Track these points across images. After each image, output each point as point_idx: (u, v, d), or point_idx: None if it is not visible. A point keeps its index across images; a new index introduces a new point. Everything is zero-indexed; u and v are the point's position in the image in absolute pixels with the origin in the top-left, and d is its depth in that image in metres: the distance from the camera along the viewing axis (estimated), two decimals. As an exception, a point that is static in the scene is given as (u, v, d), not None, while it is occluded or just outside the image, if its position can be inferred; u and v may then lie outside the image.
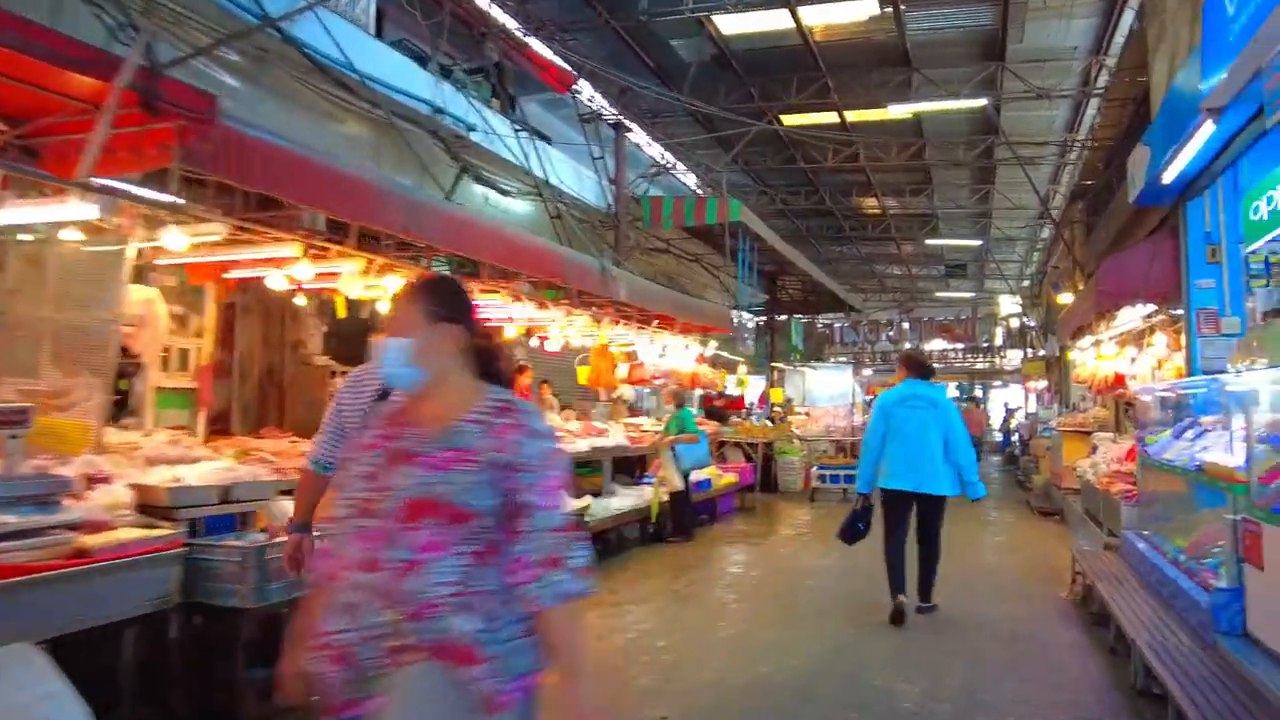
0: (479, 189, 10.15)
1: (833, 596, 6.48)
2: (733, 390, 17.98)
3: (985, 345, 28.25)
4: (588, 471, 9.31)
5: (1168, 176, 6.27)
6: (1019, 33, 11.15)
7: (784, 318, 23.01)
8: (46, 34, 3.27)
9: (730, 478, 11.33)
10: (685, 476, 8.88)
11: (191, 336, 7.55)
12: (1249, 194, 5.33)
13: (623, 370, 10.69)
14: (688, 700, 4.15)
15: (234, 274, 6.38)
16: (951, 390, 27.71)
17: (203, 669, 3.80)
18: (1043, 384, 23.18)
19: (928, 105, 12.50)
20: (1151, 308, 7.77)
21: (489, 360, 1.90)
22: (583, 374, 10.42)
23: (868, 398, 25.08)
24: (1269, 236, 5.04)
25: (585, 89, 12.41)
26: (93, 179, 3.96)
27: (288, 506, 4.40)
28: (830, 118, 14.01)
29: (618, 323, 9.74)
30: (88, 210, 3.77)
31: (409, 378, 1.81)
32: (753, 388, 20.14)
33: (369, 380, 3.01)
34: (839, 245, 24.57)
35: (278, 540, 4.01)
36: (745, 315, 14.09)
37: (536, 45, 11.11)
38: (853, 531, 6.05)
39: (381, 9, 9.56)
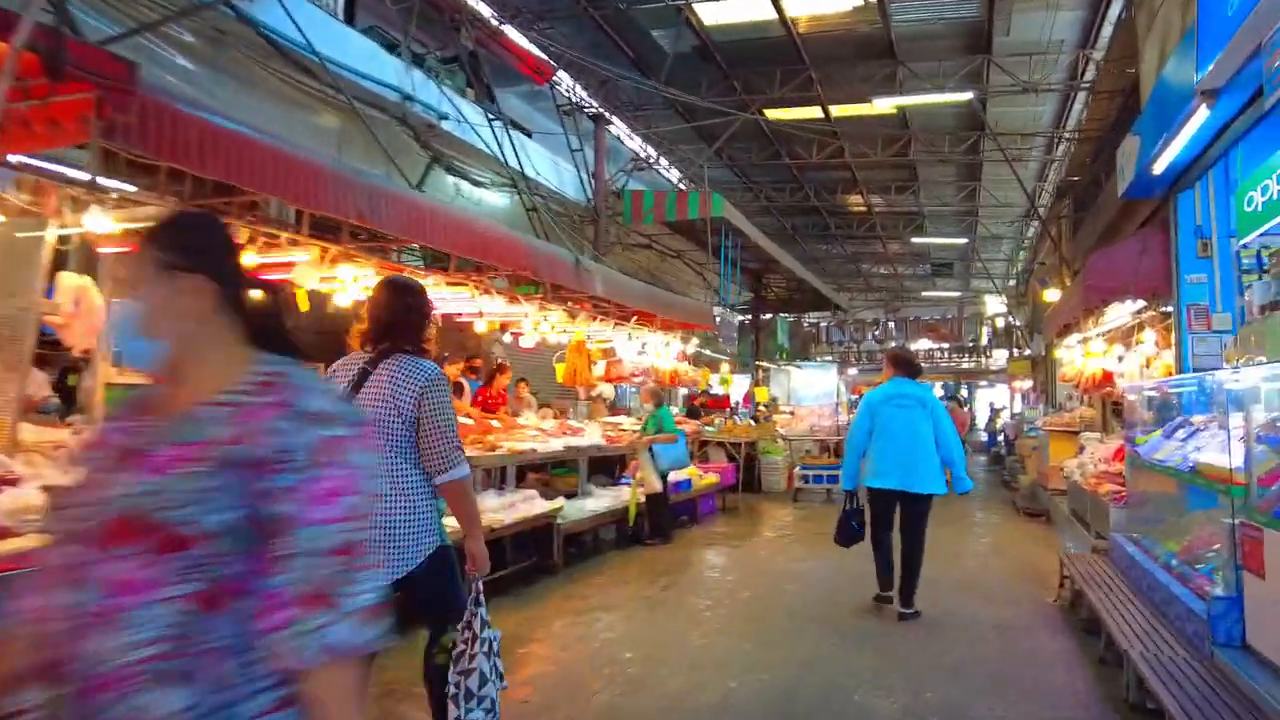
0: (451, 180, 9.86)
1: (811, 601, 6.23)
2: (717, 389, 17.75)
3: (971, 345, 28.13)
4: (564, 472, 9.04)
5: (1159, 167, 6.05)
6: (1005, 25, 10.96)
7: (769, 317, 22.81)
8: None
9: (711, 478, 11.07)
10: (663, 477, 8.61)
11: (144, 330, 7.24)
12: (1243, 184, 5.11)
13: (600, 368, 10.40)
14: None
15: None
16: (937, 390, 27.62)
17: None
18: (1028, 383, 23.09)
19: (913, 99, 12.29)
20: (1141, 303, 7.56)
21: (265, 320, 1.43)
22: (560, 371, 10.13)
23: (853, 397, 24.96)
24: (1264, 228, 4.82)
25: (565, 81, 12.14)
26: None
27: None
28: (814, 112, 13.78)
29: (595, 319, 9.47)
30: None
31: (141, 351, 1.37)
32: (737, 387, 19.91)
33: (344, 371, 2.93)
34: (825, 244, 24.39)
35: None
36: (728, 313, 13.82)
37: (513, 34, 10.82)
38: (849, 533, 5.97)
39: (352, -6, 9.27)
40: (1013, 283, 25.31)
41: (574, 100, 12.12)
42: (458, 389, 8.25)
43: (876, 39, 11.62)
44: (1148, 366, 7.84)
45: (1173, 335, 6.97)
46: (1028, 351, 22.27)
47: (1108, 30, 10.29)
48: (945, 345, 28.47)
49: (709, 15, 11.00)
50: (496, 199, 10.78)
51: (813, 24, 11.31)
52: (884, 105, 12.62)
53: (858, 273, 28.87)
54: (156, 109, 3.69)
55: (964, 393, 32.13)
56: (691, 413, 14.20)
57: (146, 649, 1.16)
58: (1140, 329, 7.89)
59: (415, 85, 8.96)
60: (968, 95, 11.83)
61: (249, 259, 5.04)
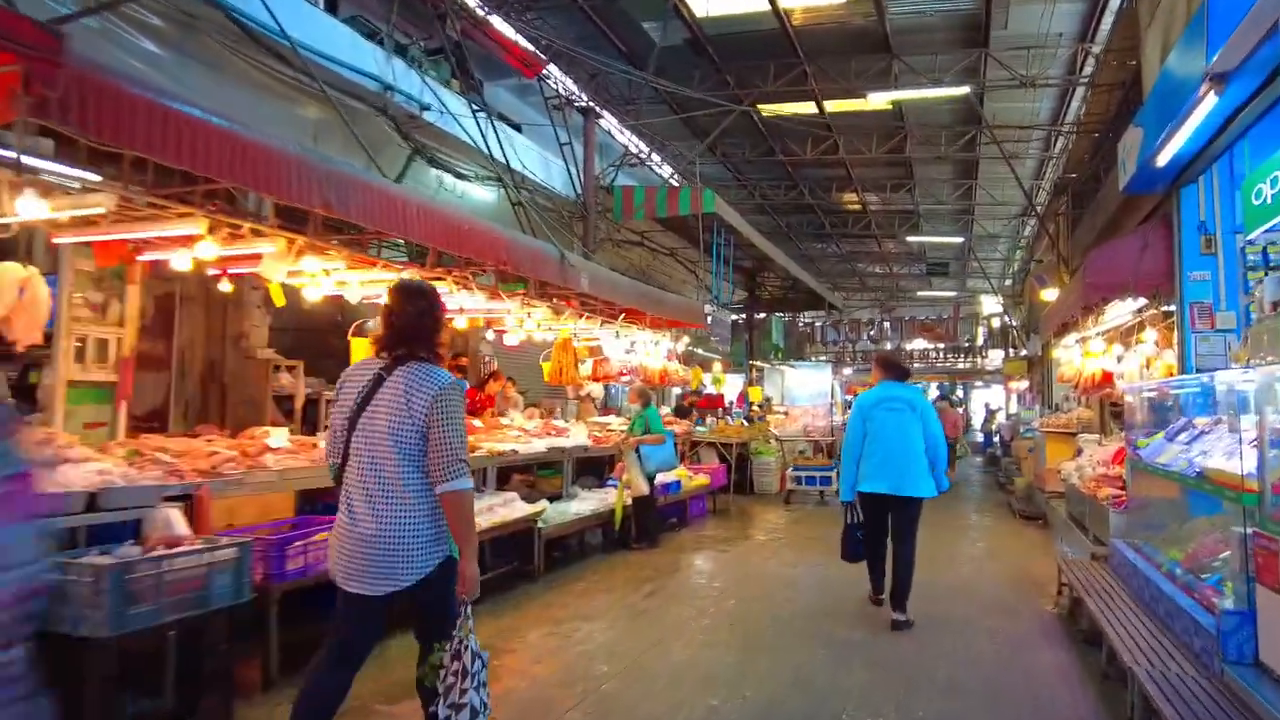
0: (435, 173, 9.59)
1: (800, 610, 5.99)
2: (709, 389, 17.52)
3: (967, 345, 27.91)
4: (550, 473, 8.79)
5: (1162, 159, 5.82)
6: (1003, 18, 10.72)
7: (763, 316, 22.59)
8: None
9: (701, 479, 10.83)
10: (651, 480, 8.36)
11: (111, 325, 6.97)
12: (1251, 176, 4.89)
13: (587, 366, 10.15)
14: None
15: (149, 256, 5.82)
16: (932, 390, 27.41)
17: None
18: (1024, 384, 22.90)
19: (908, 93, 12.05)
20: (1141, 301, 7.33)
21: None
22: (547, 370, 9.88)
23: (848, 397, 24.73)
24: (1272, 223, 4.60)
25: (555, 75, 11.88)
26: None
27: (174, 515, 3.85)
28: (809, 107, 13.54)
29: (582, 316, 9.22)
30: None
31: None
32: (730, 386, 19.68)
33: (358, 379, 2.92)
34: (820, 242, 24.17)
35: (155, 555, 3.47)
36: (721, 311, 13.57)
37: (500, 25, 10.55)
38: (855, 547, 5.93)
39: (333, -17, 8.99)
40: (1009, 282, 25.12)
41: (563, 94, 11.86)
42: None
43: (871, 32, 11.37)
44: (1148, 367, 7.62)
45: (1175, 334, 6.74)
46: (1024, 352, 22.07)
47: (1107, 23, 10.05)
48: (941, 345, 28.24)
49: (700, 6, 10.75)
50: (482, 194, 10.52)
51: (807, 16, 11.07)
52: (879, 100, 12.37)
53: (853, 272, 28.66)
54: (95, 86, 3.44)
55: (959, 393, 31.97)
56: (680, 412, 13.94)
57: None
58: (1141, 328, 7.66)
59: (396, 75, 8.69)
60: (964, 90, 11.60)
61: (209, 249, 4.79)
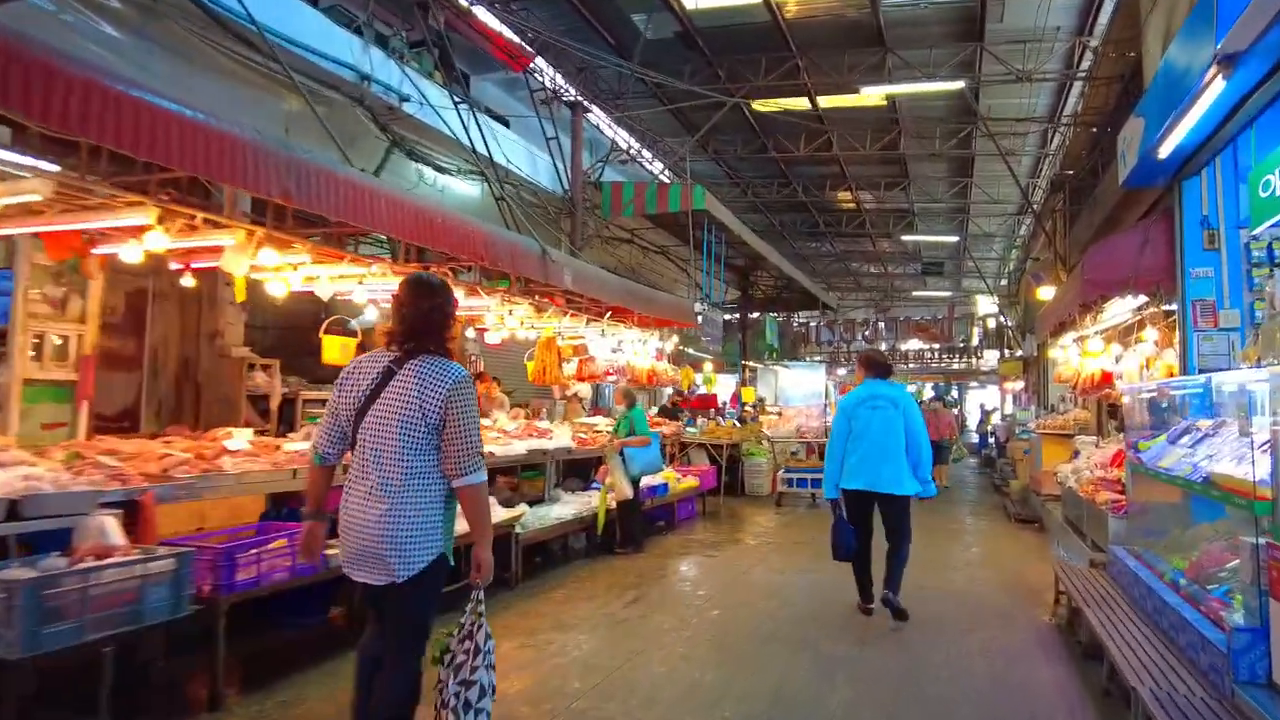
0: (414, 166, 9.33)
1: (786, 619, 5.74)
2: (701, 389, 17.28)
3: (962, 345, 27.71)
4: (534, 475, 8.54)
5: (1164, 149, 5.58)
6: (999, 10, 10.52)
7: (757, 316, 22.35)
8: None
9: (690, 481, 10.58)
10: (635, 483, 8.10)
11: (72, 321, 6.70)
12: (1258, 167, 4.65)
13: (572, 366, 9.89)
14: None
15: (104, 249, 5.54)
16: (927, 391, 27.19)
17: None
18: (1020, 385, 22.71)
19: (902, 88, 11.81)
20: (1142, 299, 7.09)
21: None
22: (530, 369, 9.61)
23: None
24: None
25: (544, 69, 11.62)
26: None
27: (109, 524, 3.59)
28: (802, 103, 13.29)
29: (566, 314, 8.96)
30: None
31: None
32: (722, 386, 19.44)
33: (367, 370, 2.92)
34: (814, 241, 23.95)
35: (83, 567, 3.20)
36: (712, 310, 13.31)
37: (485, 16, 10.29)
38: (845, 546, 5.82)
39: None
40: (1004, 282, 24.93)
41: (550, 88, 11.60)
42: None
43: (865, 25, 11.15)
44: (1148, 367, 7.38)
45: (1176, 333, 6.51)
46: (1019, 352, 21.88)
47: (1105, 16, 9.83)
48: (936, 346, 28.05)
49: (691, -2, 10.52)
50: (466, 188, 10.25)
51: (799, 8, 10.84)
52: (872, 94, 12.13)
53: (847, 271, 28.46)
54: (21, 56, 3.18)
55: (953, 394, 31.78)
56: (666, 413, 13.69)
57: None
58: (1141, 327, 7.42)
59: (374, 65, 8.43)
60: (959, 84, 11.37)
61: (158, 240, 4.53)
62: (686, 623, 5.61)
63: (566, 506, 7.78)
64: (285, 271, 6.12)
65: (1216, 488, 3.99)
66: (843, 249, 25.06)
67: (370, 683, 2.90)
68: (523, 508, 7.01)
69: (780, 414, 16.66)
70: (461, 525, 2.98)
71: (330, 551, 4.94)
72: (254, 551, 4.21)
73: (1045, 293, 12.23)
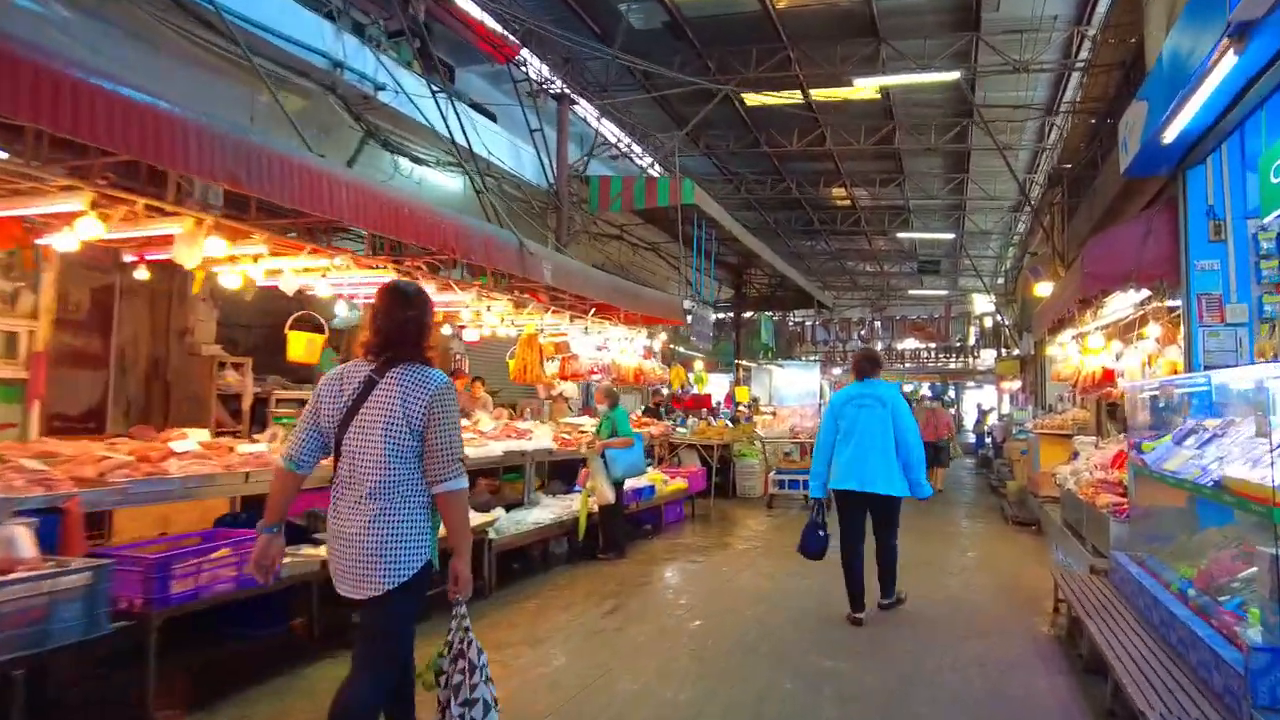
0: (390, 157, 9.01)
1: (771, 629, 5.44)
2: (693, 388, 17.00)
3: (958, 344, 27.43)
4: (515, 477, 8.24)
5: (1169, 134, 5.30)
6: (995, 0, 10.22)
7: (751, 315, 22.06)
8: None
9: (678, 484, 10.28)
10: (618, 486, 7.79)
11: (22, 317, 6.38)
12: (1269, 152, 4.37)
13: (554, 364, 9.58)
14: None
15: (47, 239, 5.23)
16: (923, 390, 26.93)
17: None
18: (1016, 384, 22.46)
19: (896, 79, 11.51)
20: (1145, 294, 6.81)
21: None
22: (511, 368, 9.31)
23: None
24: (1292, 204, 4.08)
25: (530, 61, 11.31)
26: None
27: (19, 534, 3.28)
28: (795, 97, 13.00)
29: (549, 310, 8.66)
30: None
31: None
32: (715, 386, 19.15)
33: (349, 380, 2.88)
34: (809, 239, 23.67)
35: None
36: (701, 307, 13.01)
37: (467, 5, 9.98)
38: (814, 542, 5.76)
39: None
40: (1001, 281, 24.68)
41: (535, 79, 11.29)
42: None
43: (857, 14, 10.85)
44: (1150, 364, 7.10)
45: (1181, 329, 6.22)
46: (1016, 351, 21.62)
47: (1104, 4, 9.54)
48: (932, 345, 27.75)
49: (679, -13, 10.21)
50: (446, 181, 9.94)
51: (790, -3, 10.55)
52: (865, 85, 11.83)
53: (843, 270, 28.19)
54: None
55: (950, 394, 31.54)
56: (650, 413, 13.38)
57: None
58: (1143, 322, 7.14)
59: (347, 52, 8.11)
60: (954, 75, 11.07)
61: (92, 227, 4.21)
62: (666, 633, 5.31)
63: (546, 510, 7.47)
64: (245, 264, 5.84)
65: (1229, 493, 3.70)
66: (838, 247, 24.78)
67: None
68: (498, 512, 6.71)
69: (774, 414, 16.37)
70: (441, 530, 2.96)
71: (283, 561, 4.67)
72: (193, 562, 3.90)
73: (1043, 289, 11.94)
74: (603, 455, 7.67)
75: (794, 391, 20.61)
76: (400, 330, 2.89)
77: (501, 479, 8.53)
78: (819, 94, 12.83)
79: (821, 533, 5.75)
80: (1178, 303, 6.58)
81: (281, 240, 5.43)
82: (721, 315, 21.26)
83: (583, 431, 9.18)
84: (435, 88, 8.44)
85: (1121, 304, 7.35)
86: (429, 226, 5.88)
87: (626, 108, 13.42)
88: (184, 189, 5.21)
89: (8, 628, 2.86)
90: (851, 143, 14.74)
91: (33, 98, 3.33)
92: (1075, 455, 8.70)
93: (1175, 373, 6.52)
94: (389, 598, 2.72)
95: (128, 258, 5.82)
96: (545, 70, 11.86)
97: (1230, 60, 4.12)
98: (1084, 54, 10.48)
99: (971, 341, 27.64)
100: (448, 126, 8.24)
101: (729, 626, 5.51)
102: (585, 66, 12.43)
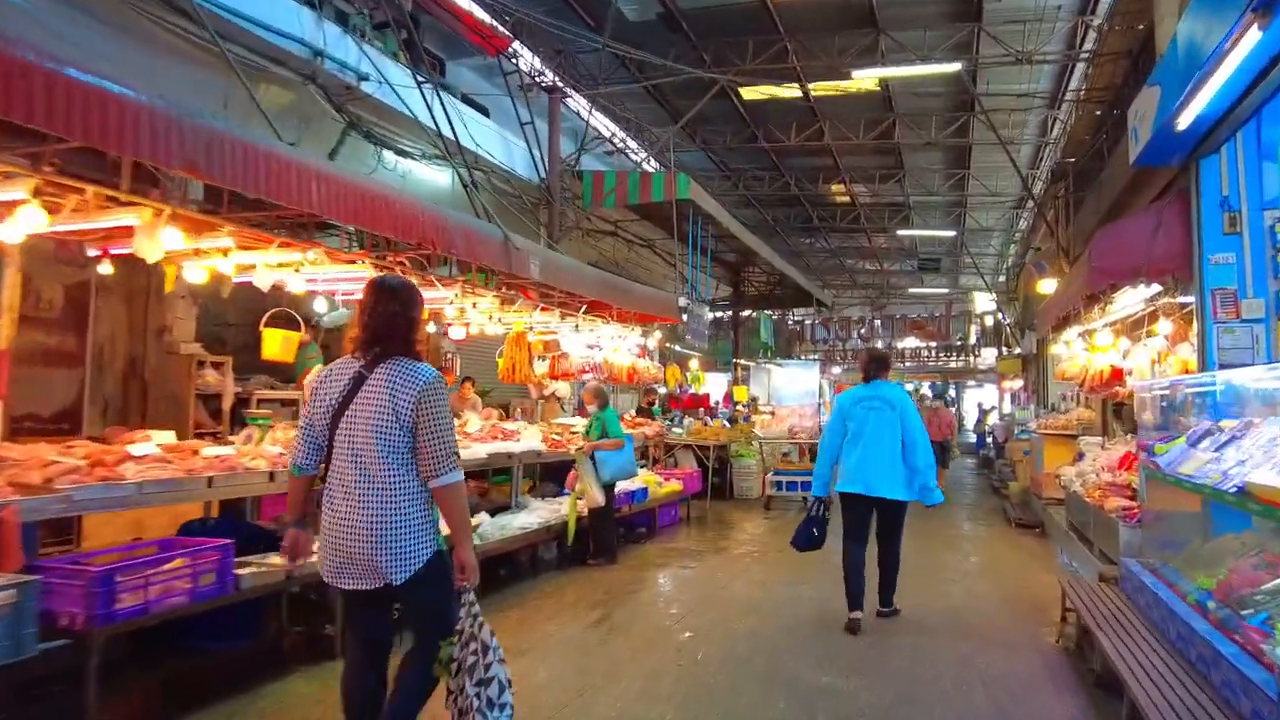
0: (376, 150, 8.74)
1: (764, 642, 5.18)
2: (690, 388, 16.74)
3: (959, 343, 27.17)
4: (504, 480, 7.99)
5: (1184, 119, 5.02)
6: (998, -13, 9.96)
7: (749, 313, 21.80)
8: None
9: (673, 486, 10.02)
10: (609, 489, 7.53)
11: (-17, 314, 6.12)
12: (1291, 136, 4.11)
13: (543, 364, 9.31)
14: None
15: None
16: (924, 390, 26.65)
17: None
18: (1018, 383, 22.19)
19: (896, 70, 11.24)
20: (1154, 289, 6.54)
21: None
22: (500, 367, 9.05)
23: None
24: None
25: (519, 50, 11.04)
26: None
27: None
28: (792, 90, 12.73)
29: (538, 307, 8.38)
30: None
31: None
32: (713, 385, 18.89)
33: (338, 377, 2.91)
34: (808, 237, 23.41)
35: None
36: (698, 305, 12.74)
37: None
38: (806, 537, 5.68)
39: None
40: (1002, 278, 24.42)
41: (526, 71, 11.02)
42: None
43: (856, 4, 10.60)
44: (1160, 362, 6.83)
45: (1194, 325, 5.95)
46: (1018, 350, 21.34)
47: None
48: (932, 344, 27.49)
49: (673, -24, 9.94)
50: (434, 175, 9.66)
51: (787, -14, 10.29)
52: (864, 77, 11.56)
53: (842, 268, 27.94)
54: None
55: (950, 393, 31.27)
56: (643, 413, 13.11)
57: None
58: (1152, 319, 6.86)
59: (328, 40, 7.84)
60: (956, 66, 10.80)
61: (34, 217, 3.94)
62: (653, 646, 5.04)
63: (533, 514, 7.21)
64: (216, 259, 5.58)
65: (1255, 500, 3.43)
66: (837, 245, 24.53)
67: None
68: (481, 516, 6.46)
69: (773, 413, 16.11)
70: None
71: (242, 572, 4.41)
72: (142, 574, 3.64)
73: (1047, 285, 11.66)
74: (592, 457, 7.40)
75: (793, 391, 20.32)
76: (388, 325, 2.90)
77: (491, 481, 8.28)
78: (817, 88, 12.56)
79: (815, 530, 5.64)
80: (1189, 299, 6.32)
81: (249, 233, 5.17)
82: (719, 314, 20.99)
83: (574, 432, 8.91)
84: (421, 78, 8.18)
85: (1130, 300, 7.08)
86: (407, 219, 5.61)
87: (620, 101, 13.16)
88: (164, 184, 4.97)
89: (-84, 652, 2.60)
90: (851, 137, 14.47)
91: None
92: (1080, 456, 8.45)
93: (1187, 371, 6.26)
94: (411, 590, 2.78)
95: (92, 251, 5.57)
96: (537, 63, 11.60)
97: (1254, 36, 3.85)
98: (1089, 45, 10.21)
99: (972, 340, 27.39)
100: (433, 118, 7.98)
101: (720, 638, 5.24)
102: (578, 60, 12.17)
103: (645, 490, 9.01)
